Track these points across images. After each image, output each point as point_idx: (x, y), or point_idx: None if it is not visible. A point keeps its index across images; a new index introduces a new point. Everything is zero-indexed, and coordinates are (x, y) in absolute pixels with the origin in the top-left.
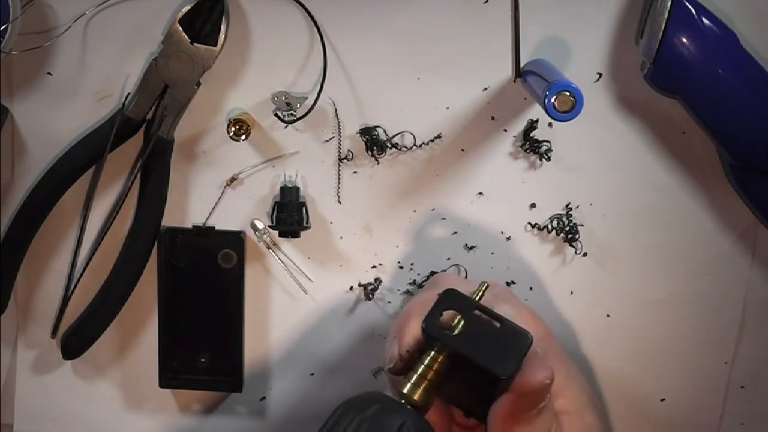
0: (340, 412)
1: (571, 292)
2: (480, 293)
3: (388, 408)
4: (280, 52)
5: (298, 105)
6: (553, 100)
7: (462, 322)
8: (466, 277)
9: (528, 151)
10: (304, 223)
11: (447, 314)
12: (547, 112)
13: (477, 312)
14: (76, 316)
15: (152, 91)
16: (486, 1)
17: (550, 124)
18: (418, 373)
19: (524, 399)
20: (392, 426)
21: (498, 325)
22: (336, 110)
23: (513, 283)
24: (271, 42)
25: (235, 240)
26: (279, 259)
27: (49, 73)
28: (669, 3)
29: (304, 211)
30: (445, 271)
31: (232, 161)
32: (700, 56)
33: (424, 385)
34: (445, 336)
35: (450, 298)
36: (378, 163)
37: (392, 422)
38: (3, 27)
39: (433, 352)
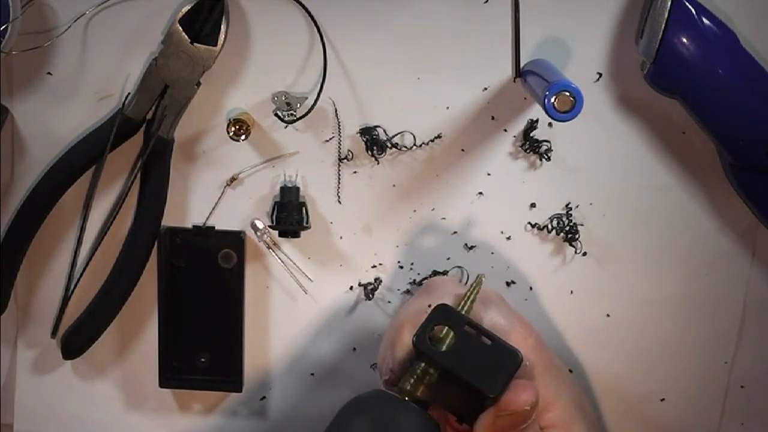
0: (346, 411)
1: (571, 292)
2: (474, 292)
3: (393, 406)
4: (280, 52)
5: (298, 105)
6: (552, 100)
7: (452, 336)
8: (468, 278)
9: (528, 151)
10: (304, 223)
11: (438, 327)
12: (546, 112)
13: (468, 328)
14: (76, 316)
15: (152, 91)
16: (486, 1)
17: (550, 124)
18: (420, 368)
19: (507, 418)
20: (399, 423)
21: (488, 342)
22: (336, 110)
23: (513, 282)
24: (271, 42)
25: (235, 240)
26: (279, 259)
27: (49, 73)
28: (669, 3)
29: (304, 211)
30: (446, 271)
31: (232, 161)
32: (700, 56)
33: (426, 380)
34: (435, 352)
35: (441, 314)
36: (378, 163)
37: (399, 419)
38: (3, 27)
39: (423, 364)
